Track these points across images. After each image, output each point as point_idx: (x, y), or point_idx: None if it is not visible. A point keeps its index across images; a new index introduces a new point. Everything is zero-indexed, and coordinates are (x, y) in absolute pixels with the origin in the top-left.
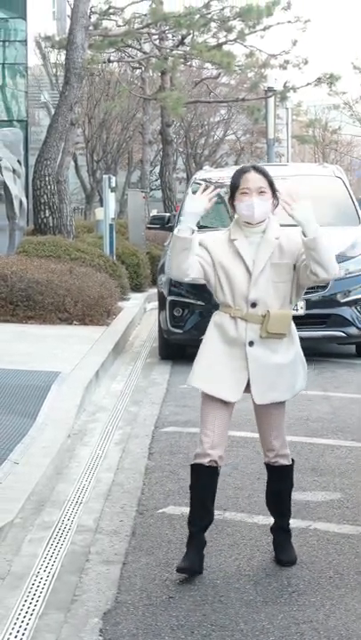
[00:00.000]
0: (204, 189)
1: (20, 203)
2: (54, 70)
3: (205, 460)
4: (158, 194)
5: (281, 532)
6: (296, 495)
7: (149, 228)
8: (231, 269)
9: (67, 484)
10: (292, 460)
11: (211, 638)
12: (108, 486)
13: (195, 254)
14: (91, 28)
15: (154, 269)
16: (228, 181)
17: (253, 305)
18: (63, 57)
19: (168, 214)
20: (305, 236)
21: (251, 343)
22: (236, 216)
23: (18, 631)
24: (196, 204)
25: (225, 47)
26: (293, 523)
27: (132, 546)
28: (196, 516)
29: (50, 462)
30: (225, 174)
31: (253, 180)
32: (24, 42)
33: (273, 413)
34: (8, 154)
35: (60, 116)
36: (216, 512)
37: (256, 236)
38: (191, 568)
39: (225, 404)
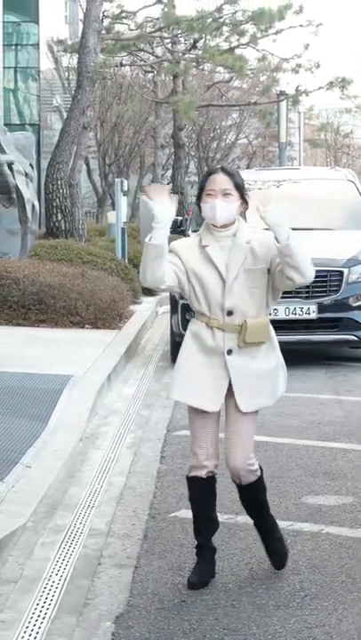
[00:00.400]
0: (149, 191)
1: (33, 206)
2: (66, 74)
3: (203, 473)
4: None
5: (268, 533)
6: (308, 499)
7: None
8: (204, 277)
9: (79, 487)
10: (261, 469)
11: None
12: (120, 490)
13: (168, 261)
14: (103, 31)
15: None
16: None
17: (230, 313)
18: (75, 61)
19: (180, 218)
20: (278, 241)
21: (229, 352)
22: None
23: (30, 635)
24: (166, 207)
25: (237, 51)
26: (306, 526)
27: (144, 549)
28: (202, 527)
29: (62, 466)
30: None
31: (219, 181)
32: (36, 45)
33: (244, 421)
34: (20, 157)
35: (73, 120)
36: (228, 516)
37: (227, 240)
38: (203, 582)
39: (211, 412)
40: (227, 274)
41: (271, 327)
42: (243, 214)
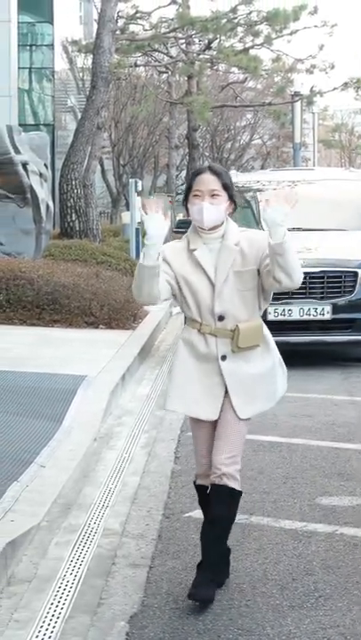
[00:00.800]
0: (144, 206)
1: (47, 206)
2: (81, 74)
3: (207, 482)
4: None
5: (208, 570)
6: (323, 500)
7: (176, 232)
8: (194, 282)
9: (93, 487)
10: (240, 492)
11: None
12: (134, 490)
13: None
14: (118, 32)
15: None
16: (254, 186)
17: (221, 318)
18: (90, 61)
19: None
20: (271, 239)
21: (223, 357)
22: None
23: (44, 634)
24: (159, 224)
25: (252, 51)
26: (320, 527)
27: (158, 549)
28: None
29: (76, 465)
30: (251, 178)
31: (206, 181)
32: (51, 46)
33: (235, 423)
34: (35, 158)
35: (87, 120)
36: (242, 516)
37: (215, 242)
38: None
39: (209, 421)
40: (215, 278)
41: (266, 328)
42: (231, 215)
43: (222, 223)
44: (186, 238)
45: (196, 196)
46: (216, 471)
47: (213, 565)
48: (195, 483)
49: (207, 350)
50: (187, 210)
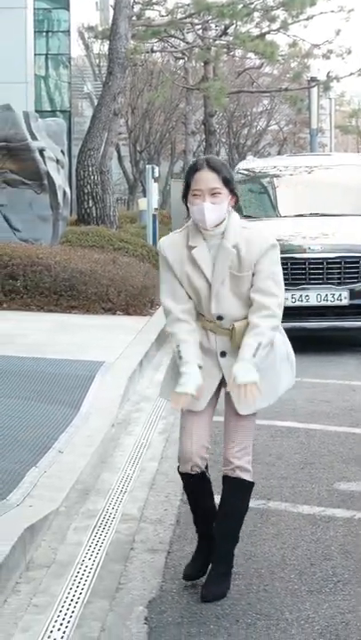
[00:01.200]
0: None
1: (64, 193)
2: (97, 61)
3: (188, 467)
4: None
5: (221, 564)
6: (340, 485)
7: None
8: (193, 279)
9: (111, 472)
10: (253, 483)
11: (256, 627)
12: (152, 475)
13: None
14: (134, 18)
15: None
16: (271, 171)
17: (219, 318)
18: (106, 47)
19: None
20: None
21: (223, 354)
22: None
23: (63, 619)
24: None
25: (268, 37)
26: (338, 512)
27: (176, 534)
28: (199, 519)
29: (94, 451)
30: (268, 164)
31: (205, 180)
32: (67, 32)
33: (240, 419)
34: (52, 144)
35: (104, 107)
36: (260, 502)
37: (215, 239)
38: (196, 576)
39: (198, 410)
40: (213, 279)
41: None
42: (234, 207)
43: (224, 219)
44: (186, 230)
45: (195, 195)
46: (229, 464)
47: (227, 559)
48: (178, 470)
49: (208, 345)
50: (187, 208)
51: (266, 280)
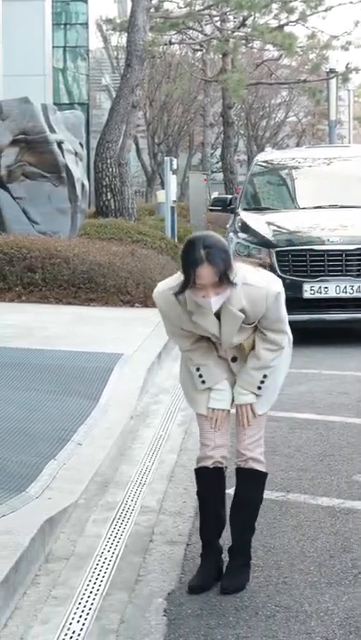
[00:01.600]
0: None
1: (82, 185)
2: (115, 53)
3: (209, 463)
4: (219, 176)
5: (239, 556)
6: (360, 477)
7: (211, 211)
8: (200, 332)
9: (130, 464)
10: (266, 474)
11: (275, 619)
12: (171, 467)
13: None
14: (152, 10)
15: None
16: (289, 163)
17: (233, 359)
18: (124, 39)
19: (230, 196)
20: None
21: (234, 359)
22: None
23: (82, 611)
24: None
25: (286, 28)
26: (358, 504)
27: (195, 527)
28: (208, 524)
29: (113, 443)
30: (287, 156)
31: (207, 276)
32: (85, 25)
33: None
34: (70, 136)
35: (122, 99)
36: (279, 494)
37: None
38: (203, 587)
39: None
40: (220, 336)
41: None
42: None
43: None
44: (178, 287)
45: (199, 288)
46: (241, 457)
47: (244, 550)
48: (195, 469)
49: (221, 352)
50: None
51: (276, 323)
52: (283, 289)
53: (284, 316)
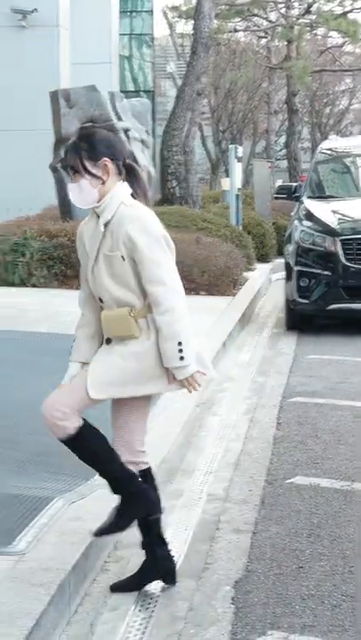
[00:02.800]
0: None
1: (148, 173)
2: (180, 40)
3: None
4: (283, 164)
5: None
6: None
7: (276, 198)
8: (83, 258)
9: (196, 452)
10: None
11: (341, 608)
12: (236, 456)
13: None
14: None
15: (280, 239)
16: (354, 151)
17: (100, 300)
18: (189, 27)
19: (295, 184)
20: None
21: (108, 341)
22: None
23: (151, 598)
24: None
25: (351, 15)
26: None
27: (261, 515)
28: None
29: (180, 431)
30: (351, 144)
31: (69, 158)
32: (150, 12)
33: (129, 405)
34: (136, 124)
35: (187, 87)
36: (344, 483)
37: (95, 219)
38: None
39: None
40: (89, 257)
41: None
42: (129, 180)
43: (101, 200)
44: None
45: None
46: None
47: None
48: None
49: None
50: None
51: (151, 270)
52: (164, 234)
53: (165, 262)
